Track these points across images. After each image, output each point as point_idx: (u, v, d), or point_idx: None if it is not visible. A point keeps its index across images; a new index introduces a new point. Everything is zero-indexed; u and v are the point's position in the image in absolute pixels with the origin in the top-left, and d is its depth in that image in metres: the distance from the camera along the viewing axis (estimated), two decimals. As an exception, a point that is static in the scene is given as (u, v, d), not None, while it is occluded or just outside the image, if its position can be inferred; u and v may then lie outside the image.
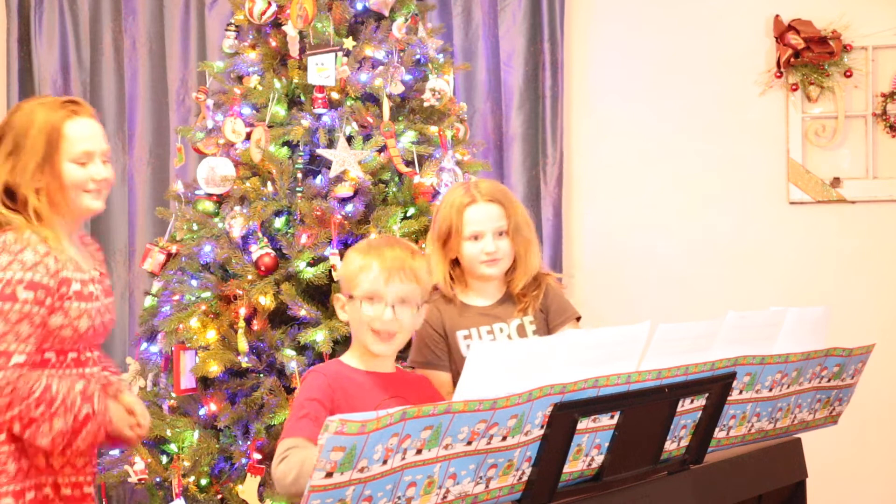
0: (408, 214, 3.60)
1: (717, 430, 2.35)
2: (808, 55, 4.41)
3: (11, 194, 2.44)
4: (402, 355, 2.69)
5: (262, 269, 3.52)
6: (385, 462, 1.72)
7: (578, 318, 2.78)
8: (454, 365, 2.67)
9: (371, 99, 3.69)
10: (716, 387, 2.26)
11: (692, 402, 2.22)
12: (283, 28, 3.68)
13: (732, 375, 2.29)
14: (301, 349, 3.50)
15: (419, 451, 1.78)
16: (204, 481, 3.60)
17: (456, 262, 2.73)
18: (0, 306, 2.32)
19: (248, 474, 3.46)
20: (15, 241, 2.37)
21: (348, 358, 2.39)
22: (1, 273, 2.33)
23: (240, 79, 3.83)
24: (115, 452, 3.60)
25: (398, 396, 2.30)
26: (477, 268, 2.68)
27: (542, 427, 1.93)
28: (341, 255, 3.36)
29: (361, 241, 2.49)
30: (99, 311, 2.50)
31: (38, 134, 2.42)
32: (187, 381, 3.59)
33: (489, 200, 2.67)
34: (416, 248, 2.44)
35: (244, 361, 3.51)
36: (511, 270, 2.73)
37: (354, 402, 2.23)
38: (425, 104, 3.75)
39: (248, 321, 3.54)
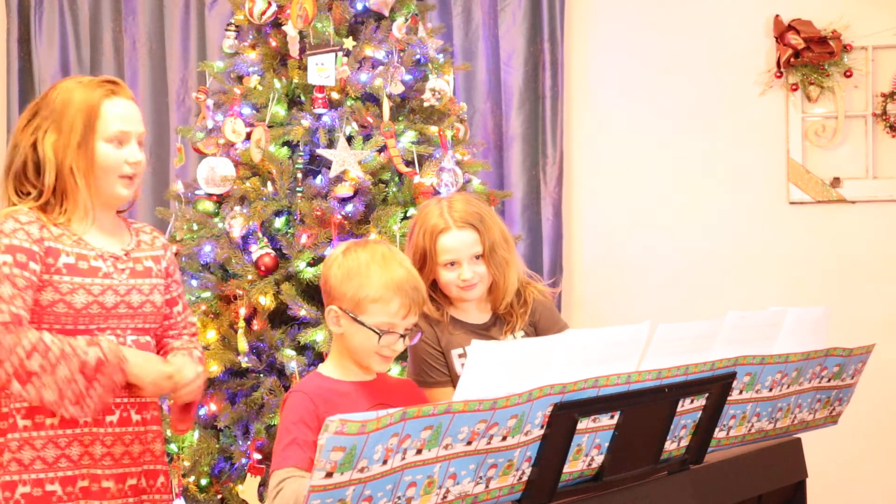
0: (408, 214, 3.60)
1: (717, 430, 2.35)
2: (808, 55, 4.41)
3: (38, 169, 2.36)
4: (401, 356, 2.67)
5: (262, 269, 3.52)
6: (385, 462, 1.72)
7: None
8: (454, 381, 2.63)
9: (371, 99, 3.69)
10: (716, 387, 2.25)
11: (692, 402, 2.22)
12: (283, 28, 3.68)
13: (732, 375, 2.29)
14: (301, 349, 3.50)
15: (419, 451, 1.78)
16: (204, 481, 3.60)
17: (435, 282, 2.67)
18: None
19: (248, 474, 3.47)
20: (3, 217, 2.32)
21: (328, 369, 2.33)
22: None
23: (240, 79, 3.83)
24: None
25: (384, 403, 2.28)
26: (454, 293, 2.64)
27: (542, 427, 1.93)
28: (341, 255, 3.35)
29: (362, 253, 2.29)
30: (111, 288, 2.36)
31: (77, 112, 2.34)
32: (187, 381, 3.58)
33: (462, 226, 2.60)
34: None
35: (244, 361, 3.51)
36: (491, 291, 2.68)
37: (341, 413, 2.20)
38: (425, 104, 3.74)
39: (248, 321, 3.54)
